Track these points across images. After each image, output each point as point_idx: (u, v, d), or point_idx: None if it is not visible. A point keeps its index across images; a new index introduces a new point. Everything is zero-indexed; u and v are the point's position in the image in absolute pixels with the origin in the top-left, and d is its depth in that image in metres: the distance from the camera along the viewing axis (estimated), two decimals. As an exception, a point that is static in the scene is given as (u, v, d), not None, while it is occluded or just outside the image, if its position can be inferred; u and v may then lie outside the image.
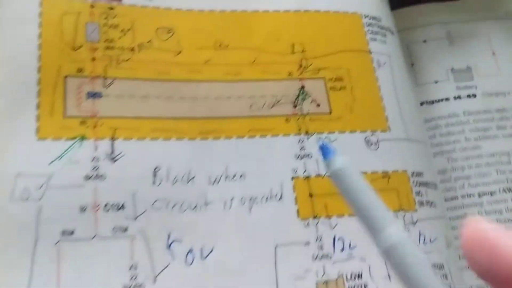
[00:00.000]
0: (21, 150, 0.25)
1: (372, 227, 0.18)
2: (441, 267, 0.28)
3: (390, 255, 0.17)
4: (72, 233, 0.24)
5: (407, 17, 0.39)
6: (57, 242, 0.24)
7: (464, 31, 0.39)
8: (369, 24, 0.33)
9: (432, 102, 0.37)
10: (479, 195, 0.34)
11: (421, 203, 0.29)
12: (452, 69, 0.38)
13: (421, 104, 0.37)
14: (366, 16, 0.33)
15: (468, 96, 0.37)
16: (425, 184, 0.30)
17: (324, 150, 0.20)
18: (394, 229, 0.17)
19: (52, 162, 0.25)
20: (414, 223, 0.28)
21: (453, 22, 0.39)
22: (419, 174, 0.30)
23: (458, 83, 0.37)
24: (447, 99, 0.37)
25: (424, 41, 0.39)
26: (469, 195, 0.34)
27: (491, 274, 0.16)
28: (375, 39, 0.33)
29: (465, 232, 0.16)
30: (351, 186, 0.19)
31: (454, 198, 0.34)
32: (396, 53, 0.34)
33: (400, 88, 0.32)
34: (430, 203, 0.30)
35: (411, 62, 0.38)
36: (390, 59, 0.33)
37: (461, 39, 0.39)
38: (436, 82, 0.37)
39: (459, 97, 0.37)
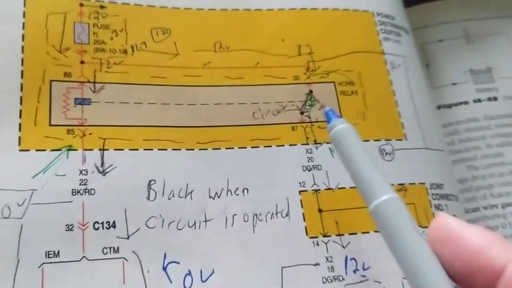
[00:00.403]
0: (1, 162, 0.23)
1: (364, 193, 0.19)
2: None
3: (375, 214, 0.19)
4: (57, 254, 0.23)
5: (421, 15, 0.38)
6: (40, 265, 0.22)
7: (482, 29, 0.38)
8: (382, 23, 0.32)
9: (450, 106, 0.35)
10: (503, 206, 0.32)
11: (441, 218, 0.27)
12: (471, 70, 0.36)
13: (438, 108, 0.35)
14: (378, 14, 0.32)
15: (489, 99, 0.35)
16: (445, 196, 0.28)
17: (329, 116, 0.22)
18: (382, 194, 0.18)
19: (35, 175, 0.23)
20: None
21: (470, 20, 0.38)
22: (438, 186, 0.28)
23: (478, 85, 0.36)
24: (466, 102, 0.35)
25: (440, 40, 0.37)
26: (492, 206, 0.32)
27: (454, 270, 0.16)
28: (388, 39, 0.31)
29: (431, 228, 0.17)
30: (347, 150, 0.21)
31: (476, 209, 0.32)
32: (411, 53, 0.32)
33: (417, 92, 0.30)
34: (451, 217, 0.28)
35: (426, 63, 0.36)
36: (405, 61, 0.31)
37: (480, 38, 0.38)
38: (454, 84, 0.36)
39: (479, 100, 0.35)
